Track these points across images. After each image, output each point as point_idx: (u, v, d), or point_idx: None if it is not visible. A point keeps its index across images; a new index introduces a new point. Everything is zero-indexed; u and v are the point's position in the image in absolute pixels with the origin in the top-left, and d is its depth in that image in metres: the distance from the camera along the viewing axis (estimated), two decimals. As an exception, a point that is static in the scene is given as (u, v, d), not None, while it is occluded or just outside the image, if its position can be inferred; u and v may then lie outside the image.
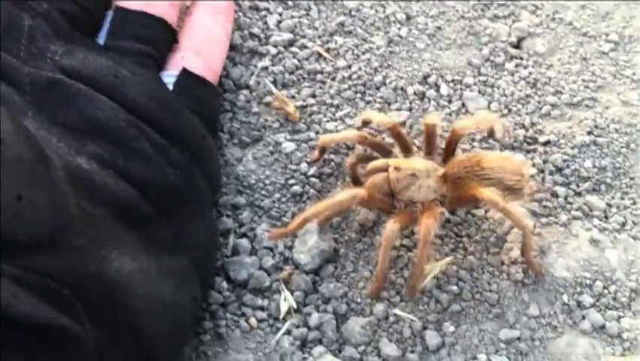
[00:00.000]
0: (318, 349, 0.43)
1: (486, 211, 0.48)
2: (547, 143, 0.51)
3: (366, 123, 0.49)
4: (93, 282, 0.35)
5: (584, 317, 0.45)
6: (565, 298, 0.45)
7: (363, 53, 0.54)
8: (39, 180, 0.34)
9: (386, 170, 0.45)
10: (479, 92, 0.53)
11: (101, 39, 0.46)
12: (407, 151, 0.47)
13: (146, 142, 0.41)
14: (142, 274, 0.37)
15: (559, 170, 0.50)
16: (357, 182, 0.47)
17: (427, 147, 0.47)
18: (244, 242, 0.47)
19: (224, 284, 0.45)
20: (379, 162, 0.45)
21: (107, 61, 0.44)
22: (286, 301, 0.44)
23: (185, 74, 0.47)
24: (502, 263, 0.46)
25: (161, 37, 0.47)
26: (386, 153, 0.47)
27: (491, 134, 0.50)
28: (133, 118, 0.42)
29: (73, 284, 0.34)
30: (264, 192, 0.48)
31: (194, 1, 0.52)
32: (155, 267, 0.38)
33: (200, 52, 0.49)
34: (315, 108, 0.52)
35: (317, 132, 0.51)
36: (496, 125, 0.49)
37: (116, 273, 0.36)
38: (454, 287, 0.45)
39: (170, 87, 0.46)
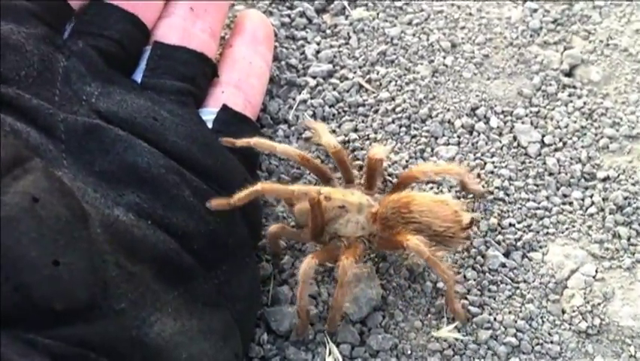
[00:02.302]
0: (367, 407, 0.40)
1: (544, 255, 0.45)
2: (606, 179, 0.48)
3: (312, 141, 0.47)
4: (134, 348, 0.32)
5: (654, 371, 0.41)
6: (632, 349, 0.42)
7: (407, 84, 0.52)
8: (77, 241, 0.32)
9: (316, 195, 0.41)
10: (531, 124, 0.50)
11: (138, 76, 0.44)
12: (349, 181, 0.44)
13: (186, 189, 0.39)
14: (184, 336, 0.35)
15: (620, 208, 0.47)
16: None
17: (367, 181, 0.44)
18: (285, 289, 0.44)
19: (265, 336, 0.42)
20: (311, 188, 0.42)
21: (146, 102, 0.41)
22: (331, 355, 0.42)
23: (226, 110, 0.45)
24: (564, 311, 0.43)
25: (201, 72, 0.45)
26: (326, 179, 0.44)
27: (464, 187, 0.46)
28: (173, 163, 0.40)
29: (113, 353, 0.31)
30: (305, 235, 0.46)
31: (233, 31, 0.50)
32: (198, 326, 0.36)
33: (240, 86, 0.47)
34: (357, 143, 0.49)
35: (360, 168, 0.48)
36: (465, 178, 0.46)
37: (158, 337, 0.33)
38: (512, 339, 0.42)
39: (210, 124, 0.44)
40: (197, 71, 0.45)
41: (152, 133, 0.40)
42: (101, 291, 0.32)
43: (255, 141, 0.43)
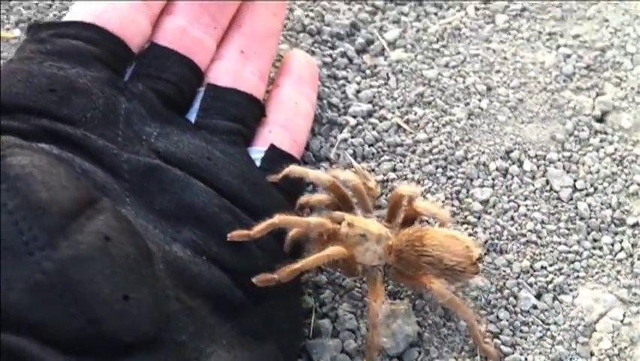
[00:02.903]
0: None
1: (574, 298, 0.47)
2: (635, 225, 0.50)
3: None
4: None
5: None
6: (658, 392, 0.44)
7: (444, 126, 0.54)
8: (144, 277, 0.35)
9: (339, 222, 0.44)
10: (564, 168, 0.52)
11: (192, 116, 0.47)
12: (367, 212, 0.46)
13: (238, 227, 0.41)
14: None
15: (649, 253, 0.48)
16: None
17: (389, 215, 0.46)
18: (326, 323, 0.46)
19: (307, 368, 0.44)
20: (337, 213, 0.44)
21: (200, 142, 0.44)
22: (370, 388, 0.44)
23: (273, 150, 0.47)
24: (592, 354, 0.45)
25: (251, 113, 0.48)
26: (348, 208, 0.46)
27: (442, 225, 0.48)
28: (226, 202, 0.42)
29: None
30: (345, 270, 0.48)
31: (280, 71, 0.52)
32: (249, 358, 0.38)
33: (286, 126, 0.49)
34: (396, 183, 0.51)
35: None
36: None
37: None
38: (543, 379, 0.44)
39: (258, 163, 0.46)
40: (247, 112, 0.48)
41: (206, 172, 0.43)
42: (164, 324, 0.35)
43: (290, 169, 0.45)
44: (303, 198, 0.46)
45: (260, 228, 0.41)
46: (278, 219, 0.41)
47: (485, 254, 0.48)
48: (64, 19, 0.46)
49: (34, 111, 0.40)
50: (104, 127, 0.41)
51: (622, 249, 0.49)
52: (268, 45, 0.51)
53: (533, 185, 0.51)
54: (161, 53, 0.46)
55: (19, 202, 0.33)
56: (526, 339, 0.45)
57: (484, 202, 0.50)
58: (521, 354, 0.45)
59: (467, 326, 0.46)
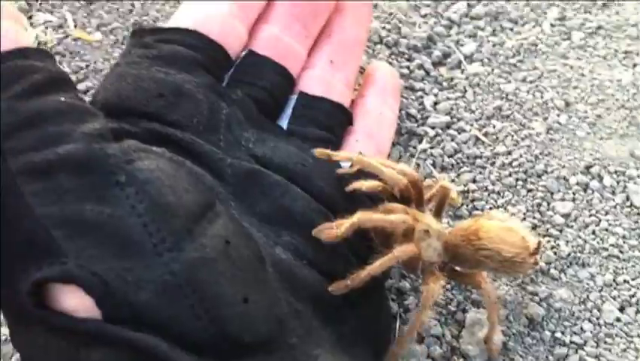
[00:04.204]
0: None
1: (657, 312, 0.47)
2: None
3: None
4: None
5: None
6: None
7: (523, 139, 0.55)
8: (260, 280, 0.36)
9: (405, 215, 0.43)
10: (643, 185, 0.52)
11: (283, 122, 0.48)
12: (419, 206, 0.45)
13: None
14: None
15: None
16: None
17: (437, 209, 0.46)
18: (410, 328, 0.47)
19: (393, 372, 0.45)
20: (400, 206, 0.44)
21: (294, 148, 0.45)
22: (457, 393, 0.44)
23: None
24: (677, 368, 0.45)
25: (339, 121, 0.49)
26: (406, 202, 0.45)
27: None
28: (321, 207, 0.43)
29: None
30: (429, 278, 0.49)
31: (365, 82, 0.53)
32: (350, 361, 0.39)
33: (372, 135, 0.50)
34: (477, 194, 0.52)
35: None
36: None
37: None
38: (629, 391, 0.44)
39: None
40: (336, 121, 0.49)
41: (301, 178, 0.44)
42: (278, 326, 0.36)
43: (357, 158, 0.44)
44: (356, 184, 0.44)
45: (346, 227, 0.40)
46: (358, 218, 0.40)
47: (568, 267, 0.49)
48: (168, 25, 0.48)
49: (144, 115, 0.41)
50: (208, 132, 0.42)
51: (703, 267, 0.49)
52: (355, 55, 0.52)
53: (614, 200, 0.52)
54: (258, 61, 0.47)
55: (149, 205, 0.34)
56: (610, 351, 0.46)
57: (566, 216, 0.51)
58: (606, 366, 0.45)
59: (551, 337, 0.46)
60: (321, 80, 0.50)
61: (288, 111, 0.48)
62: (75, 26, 0.63)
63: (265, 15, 0.50)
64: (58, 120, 0.35)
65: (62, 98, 0.36)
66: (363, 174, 0.45)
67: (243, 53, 0.48)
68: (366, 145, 0.50)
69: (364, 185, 0.44)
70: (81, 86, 0.59)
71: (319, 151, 0.44)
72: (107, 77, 0.44)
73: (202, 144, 0.41)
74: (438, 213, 0.46)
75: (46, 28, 0.63)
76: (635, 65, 0.59)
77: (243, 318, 0.34)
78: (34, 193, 0.33)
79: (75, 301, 0.32)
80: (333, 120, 0.48)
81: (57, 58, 0.61)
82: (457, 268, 0.45)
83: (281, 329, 0.36)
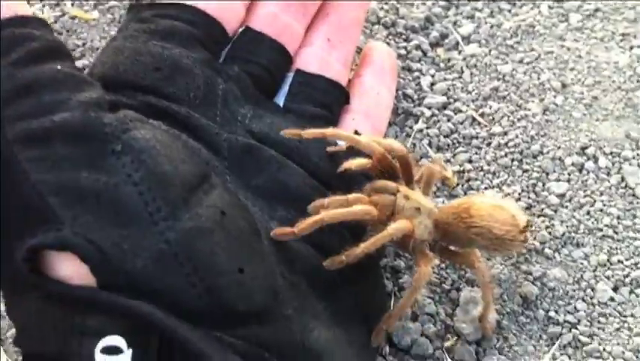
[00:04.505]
0: (482, 422, 0.43)
1: (651, 291, 0.48)
2: None
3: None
4: (299, 352, 0.36)
5: None
6: None
7: (519, 120, 0.55)
8: (255, 252, 0.36)
9: (394, 194, 0.43)
10: (638, 166, 0.53)
11: (280, 99, 0.48)
12: (409, 183, 0.45)
13: None
14: (336, 344, 0.38)
15: None
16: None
17: (425, 188, 0.46)
18: (405, 306, 0.47)
19: (387, 349, 0.45)
20: (390, 183, 0.44)
21: (290, 125, 0.45)
22: (450, 370, 0.45)
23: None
24: (669, 347, 0.46)
25: (336, 99, 0.49)
26: (394, 178, 0.45)
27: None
28: (317, 184, 0.43)
29: (282, 354, 0.35)
30: (424, 256, 0.49)
31: (362, 62, 0.53)
32: (345, 336, 0.39)
33: (369, 114, 0.50)
34: (472, 174, 0.52)
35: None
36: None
37: (317, 342, 0.37)
38: (621, 369, 0.45)
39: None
40: (333, 99, 0.49)
41: (297, 154, 0.44)
42: (274, 297, 0.36)
43: (331, 131, 0.43)
44: (346, 164, 0.43)
45: (305, 225, 0.39)
46: (326, 216, 0.39)
47: (562, 247, 0.49)
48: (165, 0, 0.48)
49: (141, 88, 0.41)
50: (204, 106, 0.43)
51: (696, 248, 0.49)
52: (352, 34, 0.52)
53: (609, 181, 0.52)
54: (255, 38, 0.47)
55: (145, 174, 0.34)
56: (603, 330, 0.46)
57: (561, 196, 0.51)
58: (599, 344, 0.45)
59: (544, 315, 0.46)
60: (318, 57, 0.50)
61: (285, 88, 0.48)
62: (72, 4, 0.63)
63: None
64: (54, 88, 0.35)
65: (59, 67, 0.36)
66: (355, 151, 0.44)
67: (240, 30, 0.48)
68: (363, 124, 0.50)
69: (353, 164, 0.44)
70: (78, 64, 0.58)
71: (287, 132, 0.44)
72: (103, 50, 0.44)
73: (198, 118, 0.41)
74: (426, 192, 0.46)
75: (44, 6, 0.63)
76: (632, 47, 0.58)
77: (238, 287, 0.34)
78: (30, 160, 0.33)
79: (70, 269, 0.32)
80: (329, 98, 0.48)
81: (53, 36, 0.60)
82: (450, 247, 0.45)
83: (276, 300, 0.36)
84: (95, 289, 0.32)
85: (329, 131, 0.44)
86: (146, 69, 0.42)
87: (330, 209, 0.40)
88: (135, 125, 0.36)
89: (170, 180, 0.34)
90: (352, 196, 0.42)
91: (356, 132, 0.48)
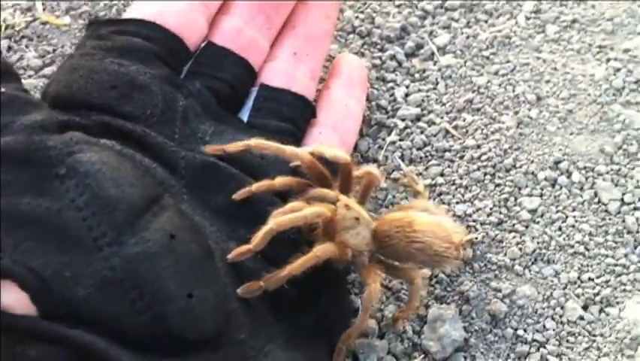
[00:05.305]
0: None
1: (620, 310, 0.47)
2: (683, 241, 0.50)
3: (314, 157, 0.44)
4: None
5: None
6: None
7: (493, 133, 0.54)
8: (207, 275, 0.35)
9: (334, 203, 0.42)
10: (612, 181, 0.52)
11: (244, 115, 0.47)
12: (346, 192, 0.44)
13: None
14: None
15: (696, 271, 0.48)
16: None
17: (361, 197, 0.45)
18: (372, 323, 0.46)
19: (353, 367, 0.45)
20: (330, 192, 0.43)
21: None
22: (416, 390, 0.44)
23: None
24: (638, 368, 0.45)
25: (302, 114, 0.48)
26: (327, 187, 0.44)
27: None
28: (278, 200, 0.42)
29: None
30: (392, 272, 0.48)
31: (331, 74, 0.53)
32: (302, 357, 0.39)
33: (336, 127, 0.49)
34: (444, 188, 0.52)
35: (446, 212, 0.50)
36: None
37: None
38: (588, 390, 0.44)
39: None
40: (299, 113, 0.48)
41: (258, 171, 0.43)
42: (225, 322, 0.35)
43: (255, 142, 0.42)
44: (264, 183, 0.41)
45: (259, 238, 0.38)
46: (275, 224, 0.39)
47: (532, 263, 0.49)
48: (124, 16, 0.47)
49: (95, 107, 0.40)
50: (162, 124, 0.42)
51: (668, 265, 0.48)
52: (320, 47, 0.52)
53: (582, 196, 0.51)
54: (218, 53, 0.47)
55: (89, 198, 0.33)
56: (572, 350, 0.45)
57: (532, 211, 0.50)
58: (567, 364, 0.45)
59: (513, 334, 0.46)
60: (284, 72, 0.49)
61: (249, 104, 0.47)
62: (44, 9, 0.62)
63: (227, 6, 0.49)
64: None
65: (3, 89, 0.35)
66: (316, 165, 0.43)
67: (203, 45, 0.47)
68: (330, 137, 0.49)
69: (276, 183, 0.42)
70: (47, 71, 0.57)
71: (211, 148, 0.42)
72: (59, 69, 0.43)
73: (154, 136, 0.41)
74: (362, 201, 0.45)
75: (15, 11, 0.62)
76: (608, 60, 0.58)
77: (187, 314, 0.33)
78: None
79: (12, 297, 0.32)
80: (295, 112, 0.48)
81: (24, 42, 0.60)
82: (390, 262, 0.44)
83: (229, 325, 0.35)
84: (35, 318, 0.31)
85: (252, 142, 0.42)
86: (100, 88, 0.41)
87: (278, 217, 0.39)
88: (81, 148, 0.35)
89: (116, 204, 0.33)
90: (290, 205, 0.41)
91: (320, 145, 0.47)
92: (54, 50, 0.59)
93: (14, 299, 0.31)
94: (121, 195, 0.34)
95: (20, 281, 0.31)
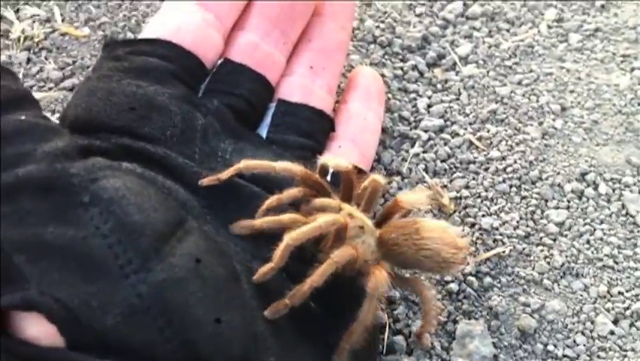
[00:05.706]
0: None
1: (652, 325, 0.46)
2: None
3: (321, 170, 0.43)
4: None
5: None
6: None
7: (517, 144, 0.54)
8: (233, 298, 0.35)
9: (336, 212, 0.41)
10: (639, 193, 0.51)
11: (263, 131, 0.47)
12: (347, 201, 0.43)
13: (311, 244, 0.41)
14: None
15: None
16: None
17: (365, 205, 0.44)
18: (399, 339, 0.46)
19: (382, 383, 0.44)
20: (332, 201, 0.42)
21: (273, 157, 0.44)
22: (446, 407, 0.43)
23: None
24: (670, 383, 0.44)
25: (320, 127, 0.48)
26: (326, 196, 0.43)
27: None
28: (302, 217, 0.42)
29: None
30: (419, 287, 0.48)
31: (348, 87, 0.52)
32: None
33: (355, 140, 0.49)
34: (469, 201, 0.51)
35: (472, 225, 0.50)
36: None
37: None
38: (621, 407, 0.43)
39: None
40: (317, 127, 0.48)
41: (281, 188, 0.42)
42: (253, 345, 0.34)
43: (244, 164, 0.41)
44: (273, 199, 0.41)
45: (279, 256, 0.37)
46: (290, 239, 0.38)
47: (561, 277, 0.48)
48: (140, 36, 0.47)
49: (115, 130, 0.40)
50: (182, 144, 0.41)
51: (698, 277, 0.48)
52: (337, 59, 0.51)
53: (609, 209, 0.51)
54: (234, 69, 0.46)
55: (114, 225, 0.33)
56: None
57: (560, 224, 0.50)
58: (599, 381, 0.44)
59: (543, 350, 0.45)
60: (301, 86, 0.48)
61: (268, 120, 0.47)
62: (63, 20, 0.62)
63: (242, 22, 0.48)
64: (18, 140, 0.34)
65: (23, 117, 0.35)
66: (311, 177, 0.42)
67: (219, 62, 0.47)
68: (350, 151, 0.49)
69: (284, 196, 0.41)
70: (67, 83, 0.57)
71: (205, 180, 0.40)
72: (77, 92, 0.43)
73: (175, 157, 0.40)
74: (367, 209, 0.45)
75: (34, 22, 0.62)
76: (633, 69, 0.57)
77: (215, 339, 0.33)
78: None
79: (38, 329, 0.31)
80: (313, 127, 0.47)
81: (43, 53, 0.59)
82: (395, 270, 0.43)
83: (257, 348, 0.35)
84: (63, 349, 0.31)
85: (242, 164, 0.41)
86: (119, 110, 0.40)
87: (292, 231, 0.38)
88: (104, 174, 0.35)
89: (141, 231, 0.33)
90: (286, 217, 0.40)
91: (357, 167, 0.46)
92: (74, 62, 0.59)
93: (40, 331, 0.31)
94: (145, 221, 0.33)
95: (47, 313, 0.30)
